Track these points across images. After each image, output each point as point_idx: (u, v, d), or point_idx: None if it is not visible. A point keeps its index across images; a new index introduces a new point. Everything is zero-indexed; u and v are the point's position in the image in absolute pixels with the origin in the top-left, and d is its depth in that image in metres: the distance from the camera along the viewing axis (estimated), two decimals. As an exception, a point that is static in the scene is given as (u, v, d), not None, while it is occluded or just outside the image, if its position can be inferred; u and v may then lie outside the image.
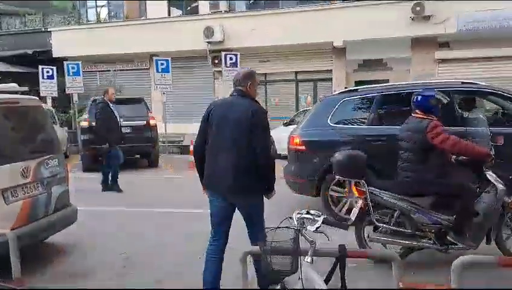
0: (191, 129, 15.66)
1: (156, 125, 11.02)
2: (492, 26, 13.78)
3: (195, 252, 4.61)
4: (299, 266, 2.21)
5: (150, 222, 6.06)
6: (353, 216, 4.09)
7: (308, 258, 2.26)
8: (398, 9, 14.26)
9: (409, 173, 4.04)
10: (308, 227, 2.26)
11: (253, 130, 3.20)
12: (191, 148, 10.84)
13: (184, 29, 15.98)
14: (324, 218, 2.26)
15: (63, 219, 4.69)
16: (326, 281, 2.31)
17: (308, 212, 2.33)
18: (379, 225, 4.05)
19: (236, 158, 3.21)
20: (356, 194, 4.12)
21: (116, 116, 8.26)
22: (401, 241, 4.03)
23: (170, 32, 16.05)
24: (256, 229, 3.22)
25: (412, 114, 4.18)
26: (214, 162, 3.35)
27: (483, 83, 5.86)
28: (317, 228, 2.24)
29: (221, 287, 3.37)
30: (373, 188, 4.02)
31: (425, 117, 4.01)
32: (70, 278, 4.13)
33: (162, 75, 13.71)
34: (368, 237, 4.11)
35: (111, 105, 8.20)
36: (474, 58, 14.67)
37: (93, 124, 8.98)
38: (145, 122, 10.73)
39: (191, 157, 10.99)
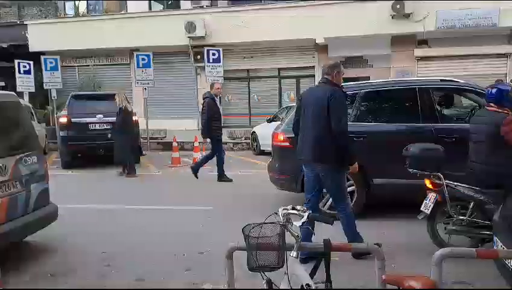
0: (173, 125, 15.65)
1: (137, 122, 10.88)
2: (469, 24, 14.08)
3: (177, 250, 4.61)
4: (285, 261, 2.22)
5: (132, 219, 6.00)
6: (427, 209, 4.16)
7: (293, 253, 2.28)
8: (379, 7, 14.42)
9: (481, 165, 4.10)
10: (294, 222, 2.28)
11: (330, 110, 3.88)
12: (174, 144, 10.82)
13: (165, 24, 15.81)
14: (310, 214, 2.28)
15: (42, 218, 4.60)
16: (312, 275, 2.33)
17: (293, 208, 2.34)
18: (455, 217, 4.16)
19: (315, 134, 4.00)
20: (430, 187, 4.20)
21: (219, 110, 8.78)
22: (477, 232, 4.12)
23: (151, 26, 15.84)
24: (334, 200, 4.21)
25: (486, 107, 4.25)
26: (302, 138, 4.20)
27: (461, 81, 5.98)
28: (303, 223, 2.26)
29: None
30: (449, 181, 4.11)
31: (500, 110, 4.07)
32: (51, 277, 4.05)
33: (143, 70, 13.55)
34: (445, 229, 4.21)
35: (216, 99, 8.52)
36: (451, 56, 14.96)
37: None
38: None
39: (174, 154, 10.98)
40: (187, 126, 16.45)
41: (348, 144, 4.00)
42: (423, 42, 15.49)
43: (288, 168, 5.91)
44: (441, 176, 4.15)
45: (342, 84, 6.50)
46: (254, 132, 12.45)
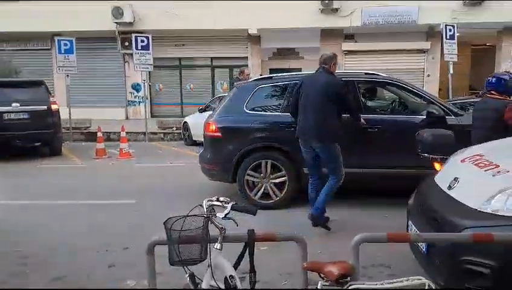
0: (98, 114, 14.94)
1: (58, 111, 10.22)
2: (392, 21, 14.88)
3: (100, 246, 4.41)
4: (208, 254, 2.19)
5: (51, 215, 5.63)
6: None
7: (217, 245, 2.25)
8: (309, 1, 14.75)
9: None
10: (218, 214, 2.25)
11: (330, 97, 4.55)
12: (99, 135, 10.31)
13: (90, 8, 14.94)
14: (233, 204, 2.26)
15: None
16: (236, 266, 2.32)
17: (218, 199, 2.31)
18: None
19: (314, 116, 4.61)
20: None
21: None
22: None
23: (75, 10, 14.91)
24: (330, 171, 4.76)
25: (487, 95, 4.48)
26: (303, 120, 4.76)
27: (384, 74, 6.29)
28: (226, 214, 2.23)
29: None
30: None
31: (501, 98, 4.30)
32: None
33: (65, 56, 12.69)
34: None
35: None
36: (376, 50, 15.76)
37: None
38: (45, 107, 9.88)
39: (99, 145, 10.50)
40: (114, 115, 15.83)
41: (359, 115, 5.05)
42: (350, 37, 16.16)
43: (219, 158, 5.87)
44: None
45: (271, 75, 6.71)
46: (186, 122, 12.24)
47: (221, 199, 2.30)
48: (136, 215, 5.54)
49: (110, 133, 12.62)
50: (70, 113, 12.62)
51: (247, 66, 12.74)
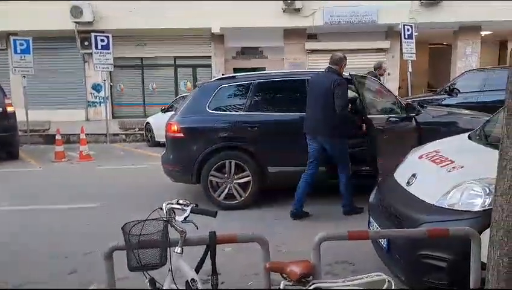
0: (58, 116, 14.44)
1: (14, 113, 9.80)
2: (353, 20, 15.18)
3: (60, 252, 4.25)
4: (169, 258, 2.15)
5: (7, 221, 5.40)
6: None
7: (178, 249, 2.21)
8: (272, 1, 14.81)
9: None
10: (177, 217, 2.21)
11: (335, 94, 4.80)
12: (58, 137, 9.95)
13: (48, 7, 14.41)
14: (192, 207, 2.22)
15: None
16: (198, 269, 2.29)
17: (177, 202, 2.27)
18: None
19: (320, 112, 4.92)
20: None
21: None
22: None
23: (32, 9, 14.33)
24: (337, 162, 5.06)
25: None
26: (309, 115, 5.08)
27: (345, 73, 6.38)
28: (186, 217, 2.20)
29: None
30: None
31: None
32: None
33: (21, 56, 12.18)
34: None
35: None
36: (338, 49, 15.91)
37: None
38: (0, 109, 9.47)
39: (58, 148, 10.12)
40: (74, 117, 15.37)
41: (346, 121, 5.10)
42: (313, 36, 16.36)
43: (182, 159, 5.78)
44: None
45: (234, 74, 6.70)
46: (148, 122, 12.02)
47: (181, 201, 2.26)
48: (98, 219, 5.38)
49: (69, 135, 12.21)
50: (27, 115, 12.13)
51: (383, 60, 12.75)
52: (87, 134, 10.32)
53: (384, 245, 3.08)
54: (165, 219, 2.17)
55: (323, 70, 5.21)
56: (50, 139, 11.77)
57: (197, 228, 2.19)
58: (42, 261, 4.10)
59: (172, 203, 2.28)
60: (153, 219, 2.14)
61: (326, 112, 4.87)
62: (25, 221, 5.41)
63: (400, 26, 12.33)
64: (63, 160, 9.59)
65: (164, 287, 2.19)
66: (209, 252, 2.26)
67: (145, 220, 2.12)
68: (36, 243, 4.58)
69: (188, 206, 2.22)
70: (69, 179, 7.93)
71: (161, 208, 2.27)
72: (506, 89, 2.08)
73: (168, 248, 2.16)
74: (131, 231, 2.09)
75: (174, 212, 2.25)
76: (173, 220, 2.20)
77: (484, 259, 2.25)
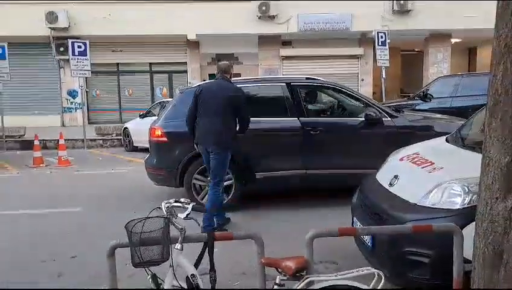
0: (33, 122, 14.15)
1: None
2: (327, 28, 15.51)
3: (46, 256, 4.23)
4: (170, 254, 2.23)
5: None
6: None
7: (178, 246, 2.29)
8: (246, 8, 15.01)
9: None
10: (179, 215, 2.29)
11: (233, 104, 4.71)
12: (36, 142, 9.77)
13: (23, 12, 14.19)
14: (194, 205, 2.32)
15: None
16: (196, 265, 2.37)
17: (177, 201, 2.35)
18: None
19: (216, 123, 4.68)
20: None
21: None
22: None
23: (6, 14, 14.10)
24: (213, 175, 4.76)
25: None
26: (203, 126, 4.78)
27: (322, 79, 6.58)
28: (187, 215, 2.28)
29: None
30: None
31: None
32: None
33: (-4, 62, 11.92)
34: None
35: None
36: (312, 56, 16.33)
37: None
38: (-26, 115, 9.25)
39: (36, 153, 9.92)
40: (49, 122, 15.10)
41: (247, 126, 4.91)
42: (288, 43, 16.63)
43: (166, 163, 5.84)
44: None
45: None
46: (126, 127, 11.95)
47: (182, 200, 2.35)
48: (81, 223, 5.36)
49: (46, 140, 12.01)
50: (2, 121, 11.87)
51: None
52: (65, 140, 10.18)
53: (369, 243, 3.20)
54: (166, 216, 2.25)
55: (216, 78, 5.05)
56: (26, 145, 11.56)
57: (199, 225, 2.28)
58: (25, 266, 4.05)
59: (171, 202, 2.36)
60: (154, 217, 2.22)
61: (221, 121, 4.69)
62: (4, 225, 5.35)
63: (374, 34, 12.68)
64: (41, 165, 9.43)
65: (166, 283, 2.26)
66: (207, 248, 2.35)
67: (146, 218, 2.19)
68: (17, 248, 4.51)
69: (189, 204, 2.31)
70: (49, 184, 7.82)
71: (159, 207, 2.35)
72: (488, 93, 2.19)
73: (169, 245, 2.23)
74: (133, 229, 2.16)
75: (174, 210, 2.33)
76: (173, 218, 2.28)
77: (465, 253, 2.41)
